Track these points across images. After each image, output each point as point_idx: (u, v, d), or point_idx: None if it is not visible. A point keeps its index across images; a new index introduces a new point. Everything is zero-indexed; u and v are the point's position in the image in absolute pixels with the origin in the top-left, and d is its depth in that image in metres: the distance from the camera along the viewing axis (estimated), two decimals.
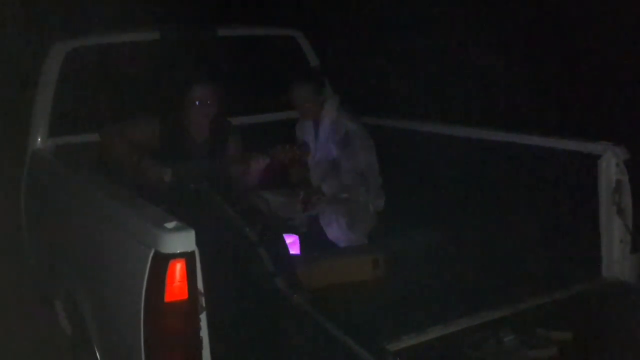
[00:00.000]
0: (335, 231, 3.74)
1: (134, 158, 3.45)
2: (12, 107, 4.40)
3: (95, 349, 2.71)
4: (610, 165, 3.07)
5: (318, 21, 6.76)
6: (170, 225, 2.20)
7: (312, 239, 3.75)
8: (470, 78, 6.89)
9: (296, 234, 3.70)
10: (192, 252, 2.16)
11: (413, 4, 7.18)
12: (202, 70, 3.85)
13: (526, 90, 6.66)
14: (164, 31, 4.15)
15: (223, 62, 4.25)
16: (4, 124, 5.11)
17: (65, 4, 7.14)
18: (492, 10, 7.04)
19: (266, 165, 3.55)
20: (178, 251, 2.14)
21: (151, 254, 2.17)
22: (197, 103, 3.55)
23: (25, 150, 3.81)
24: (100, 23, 6.04)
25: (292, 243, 3.55)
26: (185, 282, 2.14)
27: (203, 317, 2.20)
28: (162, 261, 2.14)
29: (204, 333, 2.21)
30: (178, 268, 2.13)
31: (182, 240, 2.16)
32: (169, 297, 2.14)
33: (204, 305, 2.20)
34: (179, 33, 4.24)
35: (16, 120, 4.06)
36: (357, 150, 3.92)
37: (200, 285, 2.19)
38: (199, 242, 2.18)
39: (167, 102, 3.67)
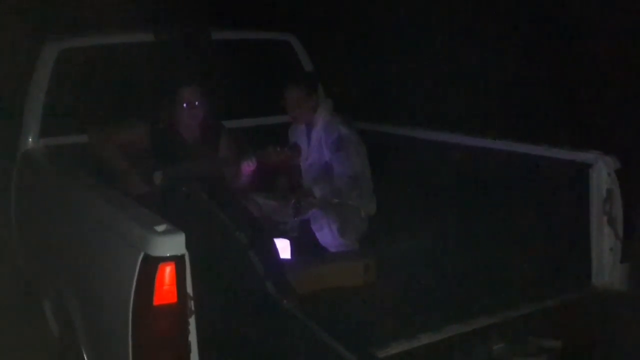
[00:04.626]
0: (327, 236, 3.73)
1: (123, 166, 3.44)
2: (2, 107, 4.37)
3: (83, 351, 2.69)
4: (601, 174, 3.08)
5: (312, 25, 6.76)
6: (160, 228, 2.19)
7: (303, 244, 3.74)
8: (463, 84, 6.90)
9: (287, 238, 3.69)
10: (182, 256, 2.15)
11: (408, 8, 7.20)
12: (195, 73, 3.85)
13: (520, 97, 6.69)
14: (158, 33, 4.15)
15: (217, 65, 4.24)
16: None
17: (59, 4, 7.11)
18: (486, 16, 7.07)
19: (257, 167, 3.55)
20: (168, 254, 2.13)
21: (140, 257, 2.15)
22: (184, 105, 3.56)
23: (16, 150, 3.79)
24: (94, 23, 6.02)
25: (283, 247, 3.54)
26: (175, 286, 2.13)
27: (192, 320, 2.19)
28: (152, 264, 2.12)
29: (193, 337, 2.20)
30: (167, 271, 2.12)
31: (172, 244, 2.14)
32: (158, 301, 2.12)
33: (193, 308, 2.19)
34: (172, 35, 4.24)
35: (7, 121, 4.03)
36: (349, 155, 3.90)
37: (189, 288, 2.18)
38: (189, 245, 2.17)
39: (158, 104, 3.66)
